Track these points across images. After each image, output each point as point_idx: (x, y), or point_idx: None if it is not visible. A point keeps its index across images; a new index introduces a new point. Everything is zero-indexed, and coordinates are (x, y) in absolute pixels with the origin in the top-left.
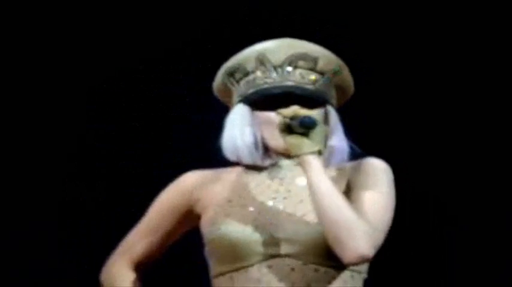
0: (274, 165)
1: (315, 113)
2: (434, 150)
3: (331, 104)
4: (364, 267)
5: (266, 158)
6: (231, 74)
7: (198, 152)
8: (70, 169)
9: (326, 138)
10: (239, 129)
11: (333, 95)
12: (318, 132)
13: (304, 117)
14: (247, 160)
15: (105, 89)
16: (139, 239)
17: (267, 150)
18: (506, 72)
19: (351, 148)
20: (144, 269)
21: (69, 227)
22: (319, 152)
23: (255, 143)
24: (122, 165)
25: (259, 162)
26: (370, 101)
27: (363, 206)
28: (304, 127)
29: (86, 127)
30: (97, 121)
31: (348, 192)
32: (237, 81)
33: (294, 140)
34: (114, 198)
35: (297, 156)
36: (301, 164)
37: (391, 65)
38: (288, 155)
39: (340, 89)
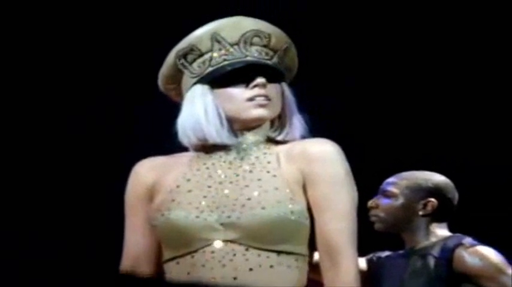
0: (233, 145)
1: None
2: None
3: (285, 81)
4: (309, 250)
5: (231, 135)
6: (183, 55)
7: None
8: None
9: (281, 113)
10: (202, 108)
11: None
12: None
13: None
14: (214, 138)
15: None
16: (134, 241)
17: (231, 127)
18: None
19: (303, 125)
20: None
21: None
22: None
23: (220, 120)
24: None
25: (225, 140)
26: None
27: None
28: None
29: None
30: None
31: (293, 172)
32: (190, 63)
33: None
34: None
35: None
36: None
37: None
38: (253, 127)
39: (287, 69)
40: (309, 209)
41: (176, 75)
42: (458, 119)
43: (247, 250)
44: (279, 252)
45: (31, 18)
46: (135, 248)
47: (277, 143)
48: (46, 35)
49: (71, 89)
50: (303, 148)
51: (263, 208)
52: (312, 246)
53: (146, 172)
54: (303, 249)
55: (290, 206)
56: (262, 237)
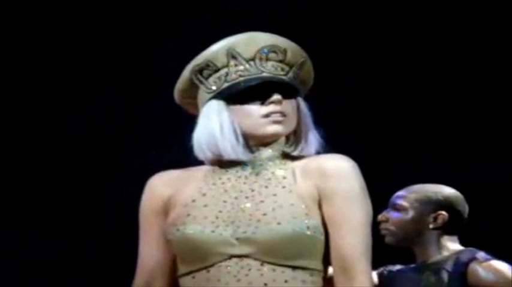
0: (248, 161)
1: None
2: None
3: (301, 96)
4: (323, 265)
5: (246, 151)
6: (199, 71)
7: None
8: None
9: (297, 128)
10: (217, 124)
11: (300, 87)
12: None
13: None
14: (229, 154)
15: None
16: (149, 255)
17: (246, 143)
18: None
19: (319, 139)
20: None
21: None
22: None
23: (236, 136)
24: None
25: (241, 156)
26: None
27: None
28: None
29: None
30: None
31: (311, 190)
32: (206, 78)
33: None
34: None
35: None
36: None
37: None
38: (269, 143)
39: (302, 82)
40: (324, 225)
41: (192, 90)
42: (459, 119)
43: (262, 265)
44: (294, 267)
45: (31, 18)
46: (150, 261)
47: (293, 158)
48: (46, 35)
49: (71, 89)
50: (319, 164)
51: (279, 223)
52: (327, 261)
53: (162, 185)
54: (318, 264)
55: (306, 221)
56: (277, 252)
